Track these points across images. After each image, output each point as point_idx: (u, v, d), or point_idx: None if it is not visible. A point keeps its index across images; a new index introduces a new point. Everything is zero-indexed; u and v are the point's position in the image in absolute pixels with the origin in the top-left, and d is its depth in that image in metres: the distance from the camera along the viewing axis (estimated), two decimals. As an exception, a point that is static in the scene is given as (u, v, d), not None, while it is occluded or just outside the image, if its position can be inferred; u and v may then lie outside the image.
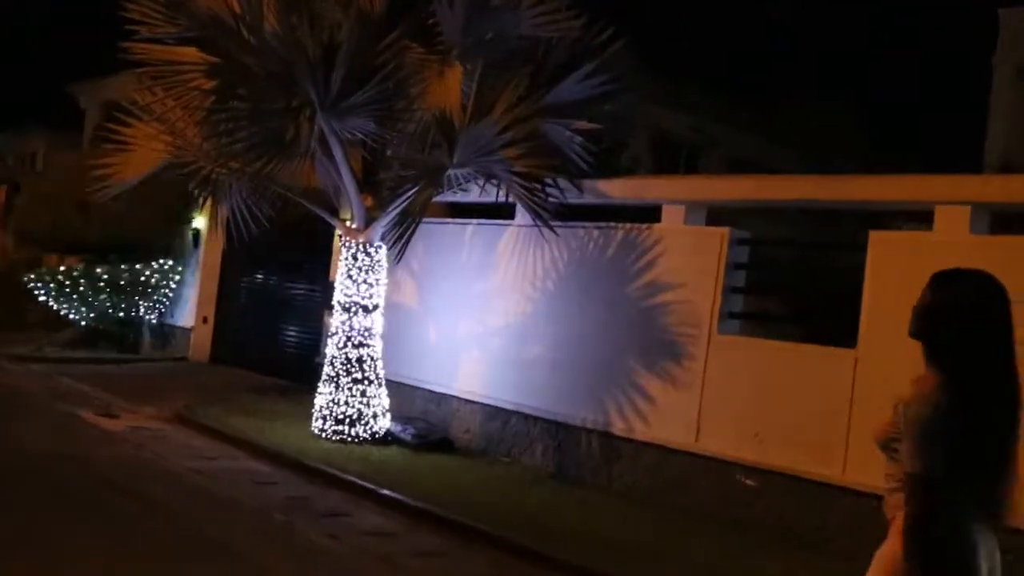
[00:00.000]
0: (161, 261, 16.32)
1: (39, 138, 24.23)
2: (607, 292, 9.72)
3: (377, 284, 10.43)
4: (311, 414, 10.92)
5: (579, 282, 10.04)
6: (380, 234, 10.44)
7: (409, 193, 9.76)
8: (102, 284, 15.79)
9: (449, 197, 10.89)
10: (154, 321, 16.90)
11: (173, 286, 16.61)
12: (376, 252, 10.40)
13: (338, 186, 10.62)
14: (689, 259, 9.05)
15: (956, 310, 2.81)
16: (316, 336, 14.10)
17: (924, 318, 2.85)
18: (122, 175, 10.78)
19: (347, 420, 10.21)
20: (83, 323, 16.64)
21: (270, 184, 9.72)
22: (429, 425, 10.88)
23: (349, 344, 10.31)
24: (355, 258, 10.32)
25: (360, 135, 9.38)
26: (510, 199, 10.34)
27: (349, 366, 10.29)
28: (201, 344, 16.55)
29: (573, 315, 10.01)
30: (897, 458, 2.79)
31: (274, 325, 15.53)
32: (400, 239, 9.07)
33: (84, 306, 16.15)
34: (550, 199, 9.22)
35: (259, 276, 16.21)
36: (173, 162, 10.82)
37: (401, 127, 9.64)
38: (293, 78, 8.57)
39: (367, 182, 10.34)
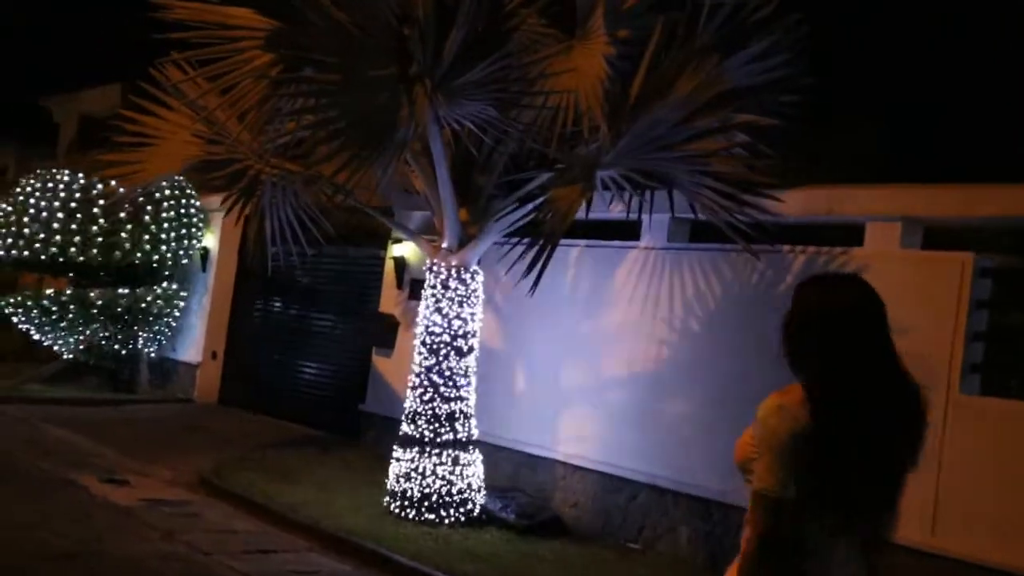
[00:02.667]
0: (164, 285, 13.85)
1: (9, 153, 22.32)
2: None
3: (472, 320, 8.14)
4: (373, 479, 8.65)
5: (739, 322, 7.79)
6: (477, 257, 8.18)
7: (527, 205, 7.52)
8: (95, 311, 13.30)
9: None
10: (153, 355, 14.40)
11: (177, 315, 14.14)
12: (472, 279, 8.11)
13: (422, 194, 8.37)
14: (912, 295, 6.84)
15: (812, 317, 2.54)
16: (353, 378, 11.77)
17: (783, 330, 2.57)
18: (143, 174, 8.44)
19: (435, 495, 7.87)
20: (67, 355, 14.13)
21: (346, 190, 7.38)
22: (530, 499, 8.57)
23: (437, 396, 7.99)
24: (446, 286, 8.02)
25: (469, 125, 7.08)
26: (642, 214, 8.10)
27: (438, 425, 7.96)
28: (209, 383, 14.10)
29: (732, 365, 7.75)
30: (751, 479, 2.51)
31: (297, 363, 13.11)
32: (535, 263, 6.75)
33: (72, 336, 13.64)
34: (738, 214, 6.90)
35: (278, 304, 13.82)
36: (208, 160, 8.53)
37: (515, 115, 7.38)
38: (403, 39, 6.27)
39: (461, 189, 8.05)
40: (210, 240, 14.44)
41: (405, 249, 10.95)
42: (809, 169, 7.74)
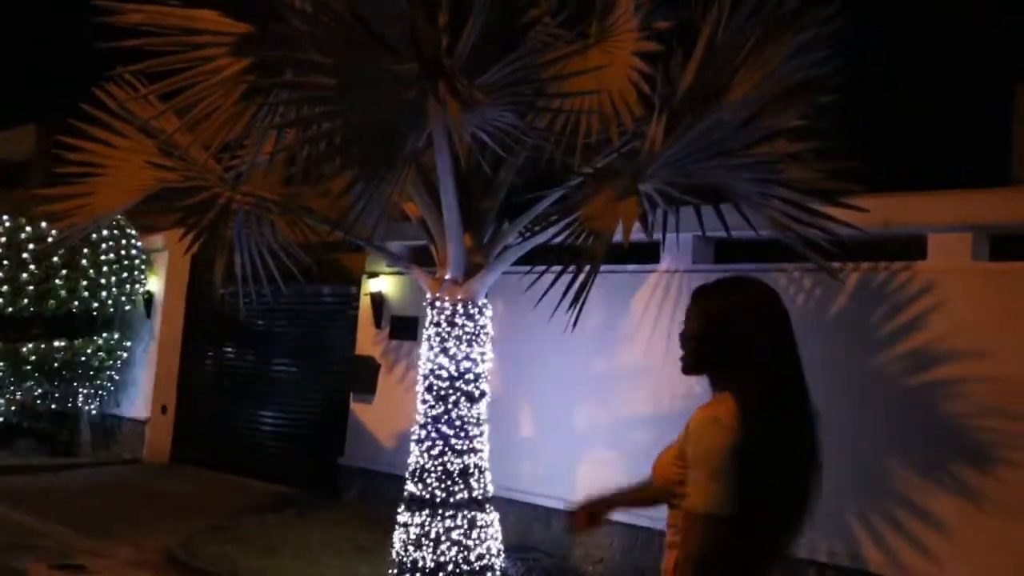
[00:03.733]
0: (105, 335, 12.54)
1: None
2: (840, 367, 6.63)
3: (483, 360, 7.15)
4: (367, 545, 7.60)
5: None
6: (486, 289, 7.21)
7: (548, 229, 6.59)
8: (29, 367, 11.94)
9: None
10: (95, 413, 13.03)
11: (120, 367, 12.84)
12: (481, 315, 7.13)
13: (415, 220, 7.39)
14: (989, 312, 6.08)
15: (737, 323, 2.42)
16: (327, 428, 10.65)
17: (701, 341, 2.46)
18: (92, 209, 7.29)
19: (451, 563, 6.82)
20: (-2, 418, 12.70)
21: (345, 224, 6.31)
22: (553, 559, 7.59)
23: (448, 450, 6.96)
24: (452, 323, 7.01)
25: (481, 134, 6.12)
26: (666, 232, 7.22)
27: (450, 482, 6.92)
28: (159, 441, 12.82)
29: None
30: (679, 504, 2.37)
31: (259, 414, 11.91)
32: (578, 293, 5.77)
33: (3, 397, 12.23)
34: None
35: (234, 350, 12.62)
36: (169, 189, 7.43)
37: (531, 120, 6.43)
38: (414, 32, 5.28)
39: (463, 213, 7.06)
40: (154, 284, 13.21)
41: (383, 284, 9.93)
42: (853, 176, 6.98)
